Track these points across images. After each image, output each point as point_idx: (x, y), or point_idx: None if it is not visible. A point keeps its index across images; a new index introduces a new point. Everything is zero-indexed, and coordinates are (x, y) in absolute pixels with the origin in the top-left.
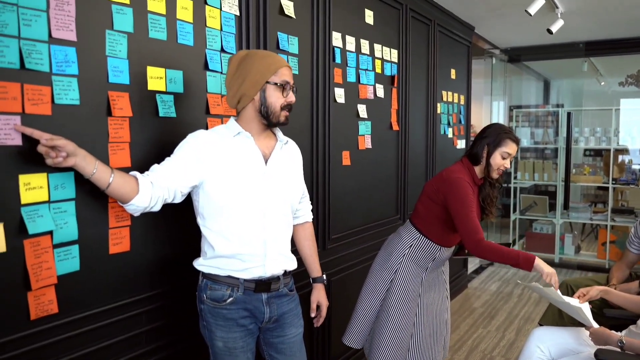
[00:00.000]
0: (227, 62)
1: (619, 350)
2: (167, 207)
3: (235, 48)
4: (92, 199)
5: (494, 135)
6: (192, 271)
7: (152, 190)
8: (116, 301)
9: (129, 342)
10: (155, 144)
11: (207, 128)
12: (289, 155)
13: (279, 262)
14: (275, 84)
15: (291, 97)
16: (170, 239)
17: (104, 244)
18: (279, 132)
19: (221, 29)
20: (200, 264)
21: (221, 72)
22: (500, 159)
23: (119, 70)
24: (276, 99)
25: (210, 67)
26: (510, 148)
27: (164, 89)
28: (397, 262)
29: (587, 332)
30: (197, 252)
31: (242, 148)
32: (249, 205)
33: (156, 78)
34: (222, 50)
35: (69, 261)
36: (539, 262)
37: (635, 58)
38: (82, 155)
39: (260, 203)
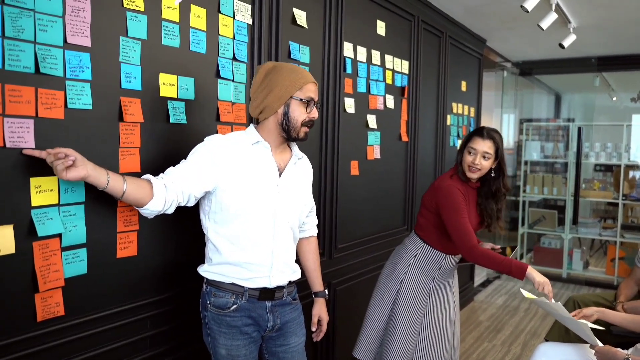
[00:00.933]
0: (238, 70)
1: None
2: (175, 212)
3: (247, 56)
4: (101, 203)
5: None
6: (198, 277)
7: (166, 193)
8: (122, 305)
9: (134, 346)
10: (165, 149)
11: None
12: (302, 170)
13: (285, 273)
14: (300, 99)
15: (314, 114)
16: (177, 244)
17: (112, 247)
18: (294, 147)
19: (234, 38)
20: (204, 270)
21: (232, 80)
22: (468, 155)
23: (131, 77)
24: (299, 115)
25: (221, 75)
26: (474, 143)
27: (175, 96)
28: (402, 272)
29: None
30: (203, 258)
31: (259, 157)
32: (260, 214)
33: (168, 85)
34: (234, 58)
35: (77, 264)
36: (531, 271)
37: None
38: (92, 166)
39: (271, 214)
